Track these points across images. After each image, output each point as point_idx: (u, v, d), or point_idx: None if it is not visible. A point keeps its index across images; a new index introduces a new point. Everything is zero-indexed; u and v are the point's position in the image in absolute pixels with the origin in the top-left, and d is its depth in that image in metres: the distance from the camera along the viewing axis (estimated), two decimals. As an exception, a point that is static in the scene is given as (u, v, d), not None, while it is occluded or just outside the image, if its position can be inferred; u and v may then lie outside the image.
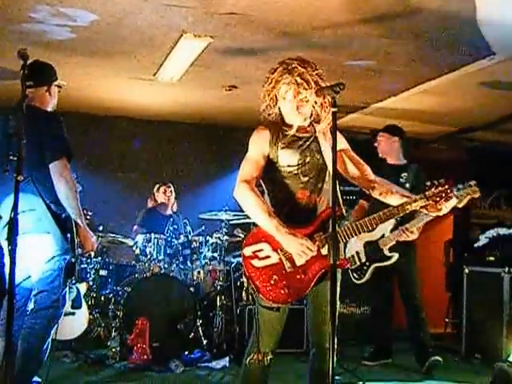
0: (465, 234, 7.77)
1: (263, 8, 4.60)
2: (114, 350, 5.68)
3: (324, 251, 3.16)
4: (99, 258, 6.73)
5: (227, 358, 5.71)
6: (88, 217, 6.12)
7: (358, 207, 5.78)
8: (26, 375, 3.77)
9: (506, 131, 7.83)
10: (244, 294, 6.50)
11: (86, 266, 6.58)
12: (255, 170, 3.31)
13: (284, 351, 5.78)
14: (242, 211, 6.40)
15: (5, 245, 3.46)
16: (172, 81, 6.55)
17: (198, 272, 6.86)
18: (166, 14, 4.79)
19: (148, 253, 6.56)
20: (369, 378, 5.32)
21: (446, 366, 5.76)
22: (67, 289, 4.18)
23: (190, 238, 6.71)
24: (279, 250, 3.19)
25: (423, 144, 8.63)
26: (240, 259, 6.58)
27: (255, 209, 3.20)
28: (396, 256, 5.41)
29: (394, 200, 3.28)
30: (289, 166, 3.30)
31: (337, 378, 2.53)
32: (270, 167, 3.33)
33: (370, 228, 3.21)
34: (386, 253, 5.42)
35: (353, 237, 3.22)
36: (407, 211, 3.21)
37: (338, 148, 2.95)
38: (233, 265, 6.69)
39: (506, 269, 5.94)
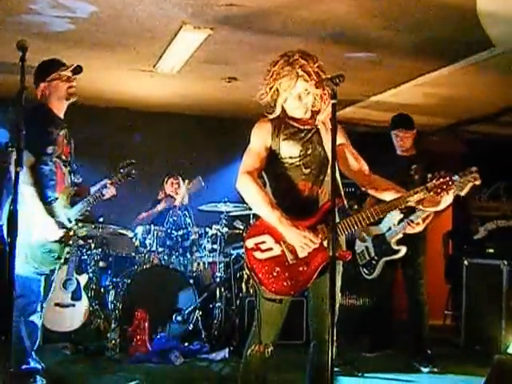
0: (464, 225, 7.77)
1: (262, 0, 4.60)
2: (113, 341, 5.68)
3: (326, 243, 3.15)
4: (99, 250, 6.74)
5: (227, 350, 5.73)
6: (88, 208, 6.16)
7: (370, 199, 5.73)
8: None
9: (505, 124, 7.83)
10: (244, 285, 6.52)
11: (85, 257, 6.58)
12: (257, 162, 3.31)
13: (283, 343, 5.82)
14: (242, 203, 6.43)
15: None
16: (172, 72, 6.54)
17: (198, 264, 6.88)
18: (166, 6, 4.78)
19: (148, 244, 6.57)
20: (368, 370, 5.34)
21: (446, 357, 5.78)
22: (43, 280, 4.18)
23: (189, 229, 6.72)
24: (282, 242, 3.19)
25: (423, 136, 8.62)
26: (240, 251, 6.66)
27: (258, 200, 3.19)
28: (404, 249, 5.36)
29: (388, 195, 3.29)
30: (290, 157, 3.31)
31: (336, 369, 2.53)
32: (271, 159, 3.34)
33: (372, 220, 3.20)
34: (394, 246, 5.40)
35: (354, 229, 3.21)
36: (408, 203, 3.21)
37: (338, 142, 2.96)
38: (232, 256, 6.70)
39: (506, 261, 5.95)
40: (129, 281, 6.19)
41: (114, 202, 7.51)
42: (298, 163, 3.30)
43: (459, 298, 6.62)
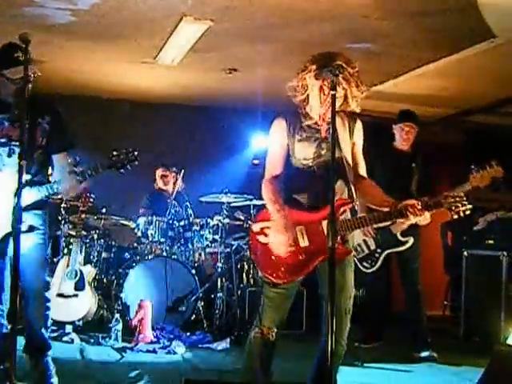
0: (464, 216, 7.78)
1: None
2: (116, 331, 5.73)
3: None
4: (102, 241, 6.78)
5: (228, 340, 5.77)
6: (91, 199, 6.20)
7: None
8: None
9: (505, 114, 7.84)
10: (245, 276, 6.55)
11: (88, 248, 6.62)
12: (279, 167, 3.37)
13: (283, 332, 5.86)
14: (242, 194, 6.48)
15: None
16: (172, 64, 6.56)
17: (199, 254, 6.91)
18: (167, -2, 4.79)
19: (150, 235, 6.61)
20: (367, 360, 5.38)
21: (445, 348, 5.82)
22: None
23: (191, 220, 6.76)
24: None
25: (422, 126, 8.63)
26: (241, 242, 6.67)
27: (269, 205, 3.28)
28: (411, 240, 5.38)
29: (374, 200, 3.39)
30: (304, 159, 3.33)
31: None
32: (286, 157, 3.38)
33: (366, 226, 3.32)
34: (400, 238, 5.41)
35: (349, 231, 3.29)
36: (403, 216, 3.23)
37: (353, 140, 3.27)
38: (233, 247, 6.73)
39: (505, 252, 5.98)
40: (131, 271, 6.24)
41: (117, 193, 7.60)
42: (311, 164, 3.32)
43: (458, 288, 6.65)
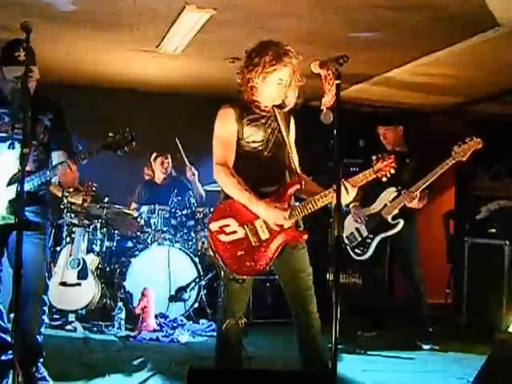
0: (466, 205, 7.79)
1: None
2: (119, 320, 5.76)
3: (287, 224, 3.33)
4: (104, 230, 6.79)
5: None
6: (93, 188, 6.21)
7: None
8: None
9: (509, 103, 7.81)
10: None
11: (91, 237, 6.64)
12: (227, 150, 3.45)
13: (273, 321, 5.92)
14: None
15: None
16: (175, 53, 6.54)
17: (203, 242, 6.92)
18: (169, -14, 4.77)
19: (152, 224, 6.63)
20: (370, 348, 5.41)
21: (447, 335, 5.84)
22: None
23: (194, 209, 6.77)
24: (245, 225, 3.34)
25: (426, 115, 8.62)
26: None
27: (231, 188, 3.36)
28: (402, 223, 5.45)
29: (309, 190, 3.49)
30: (254, 142, 3.44)
31: (339, 347, 2.60)
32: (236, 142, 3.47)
33: (314, 207, 3.36)
34: (390, 221, 5.46)
35: (300, 215, 3.38)
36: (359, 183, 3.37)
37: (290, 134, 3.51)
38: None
39: (508, 241, 5.99)
40: (134, 260, 6.26)
41: (119, 182, 7.61)
42: (260, 147, 3.45)
43: (460, 276, 6.66)
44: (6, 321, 3.89)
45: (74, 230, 6.32)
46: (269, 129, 3.48)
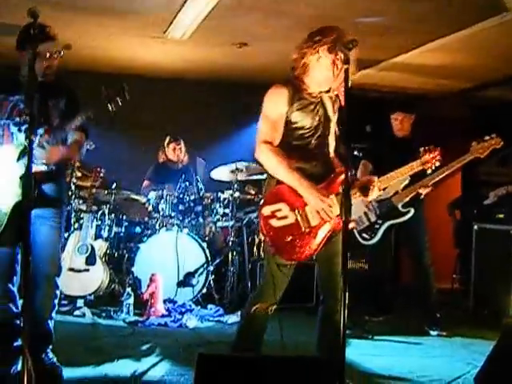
0: (474, 191, 7.78)
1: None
2: (127, 305, 5.80)
3: (335, 211, 3.26)
4: (113, 215, 6.81)
5: (239, 313, 5.80)
6: (101, 174, 6.23)
7: (362, 167, 5.81)
8: None
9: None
10: (255, 250, 6.59)
11: (99, 223, 6.66)
12: (275, 130, 3.38)
13: (294, 306, 5.92)
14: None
15: None
16: (182, 38, 6.52)
17: (210, 228, 6.94)
18: (176, -29, 4.75)
19: (160, 209, 6.64)
20: (378, 333, 5.43)
21: (454, 321, 5.85)
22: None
23: (201, 194, 6.78)
24: (296, 210, 3.30)
25: (432, 100, 8.59)
26: (251, 215, 6.70)
27: (279, 168, 3.29)
28: (412, 211, 5.45)
29: None
30: (302, 128, 3.38)
31: (347, 331, 2.62)
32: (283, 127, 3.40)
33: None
34: (401, 209, 5.46)
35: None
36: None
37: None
38: (244, 221, 6.76)
39: (515, 226, 5.98)
40: (142, 245, 6.28)
41: (127, 168, 7.63)
42: (307, 134, 3.39)
43: (468, 262, 6.67)
44: (18, 306, 3.90)
45: (82, 216, 6.34)
46: (316, 116, 3.40)
